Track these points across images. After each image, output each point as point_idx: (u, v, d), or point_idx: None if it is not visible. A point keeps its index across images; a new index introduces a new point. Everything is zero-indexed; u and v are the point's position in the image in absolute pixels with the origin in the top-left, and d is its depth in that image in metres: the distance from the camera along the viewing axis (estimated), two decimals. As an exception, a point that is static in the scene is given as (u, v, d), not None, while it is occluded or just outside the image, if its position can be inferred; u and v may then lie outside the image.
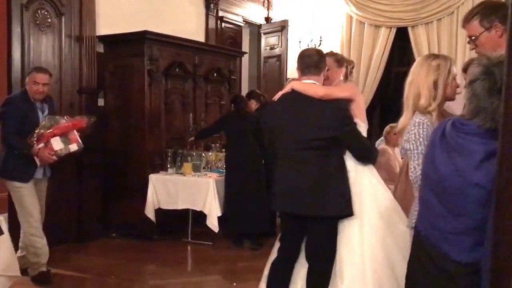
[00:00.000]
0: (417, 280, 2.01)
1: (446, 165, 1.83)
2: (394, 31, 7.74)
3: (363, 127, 3.16)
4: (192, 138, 5.99)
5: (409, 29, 7.63)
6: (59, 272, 4.55)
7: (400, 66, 8.51)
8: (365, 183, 3.06)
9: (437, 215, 1.89)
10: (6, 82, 4.94)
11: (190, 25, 7.10)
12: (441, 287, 1.89)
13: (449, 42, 7.37)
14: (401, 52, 8.30)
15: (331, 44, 7.80)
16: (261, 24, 8.67)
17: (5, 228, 3.03)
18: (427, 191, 1.95)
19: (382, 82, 7.94)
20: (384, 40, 7.75)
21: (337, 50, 7.98)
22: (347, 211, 2.94)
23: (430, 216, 1.93)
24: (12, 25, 4.90)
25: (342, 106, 3.00)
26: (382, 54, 7.77)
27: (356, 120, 3.10)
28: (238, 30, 8.19)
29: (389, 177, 5.59)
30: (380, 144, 6.35)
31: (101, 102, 5.85)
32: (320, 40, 8.22)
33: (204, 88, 6.60)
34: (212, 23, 7.54)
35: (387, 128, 5.87)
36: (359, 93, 3.33)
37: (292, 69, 6.95)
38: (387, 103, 8.52)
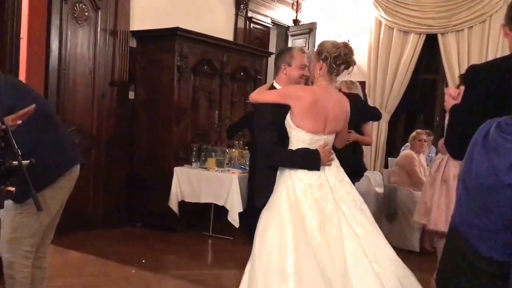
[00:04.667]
0: (450, 276, 2.03)
1: (482, 162, 1.85)
2: (423, 37, 7.74)
3: (302, 134, 2.84)
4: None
5: (439, 36, 7.61)
6: (83, 256, 4.74)
7: (428, 73, 8.53)
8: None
9: (470, 211, 1.92)
10: (43, 71, 5.16)
11: (219, 24, 7.24)
12: (473, 284, 1.92)
13: (479, 50, 7.30)
14: (429, 59, 8.31)
15: (359, 48, 7.85)
16: (289, 26, 8.75)
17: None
18: (463, 188, 1.98)
19: (408, 89, 7.95)
20: (412, 46, 7.76)
21: (364, 54, 8.07)
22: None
23: (464, 212, 1.96)
24: (51, 17, 5.12)
25: (259, 110, 3.02)
26: (410, 61, 7.77)
27: (292, 126, 2.86)
28: (266, 31, 8.30)
29: (411, 182, 5.66)
30: (405, 149, 6.40)
31: (131, 95, 6.03)
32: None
33: (230, 86, 6.73)
34: (241, 23, 7.67)
35: (413, 134, 5.90)
36: (298, 96, 2.85)
37: (318, 72, 7.06)
38: (413, 109, 8.54)
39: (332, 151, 2.91)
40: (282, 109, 2.87)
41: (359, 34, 8.12)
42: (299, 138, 2.85)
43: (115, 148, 5.80)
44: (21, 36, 5.08)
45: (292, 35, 8.66)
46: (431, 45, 7.80)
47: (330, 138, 2.91)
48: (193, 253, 5.19)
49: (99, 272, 4.45)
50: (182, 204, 5.66)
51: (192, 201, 5.64)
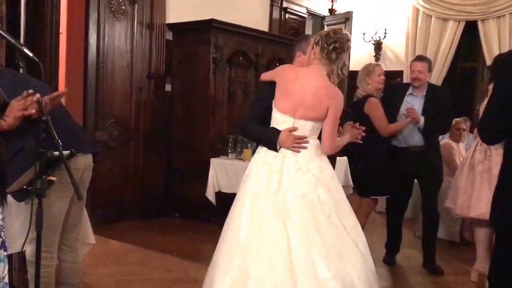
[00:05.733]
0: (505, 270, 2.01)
1: None
2: (462, 25, 7.56)
3: (274, 112, 2.89)
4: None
5: (479, 23, 7.42)
6: (124, 245, 4.85)
7: (467, 61, 8.32)
8: None
9: None
10: (82, 64, 5.29)
11: (254, 15, 7.24)
12: None
13: (522, 37, 7.10)
14: (468, 47, 8.11)
15: (396, 37, 7.74)
16: (324, 16, 8.69)
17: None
18: None
19: (447, 77, 7.79)
20: (451, 34, 7.59)
21: (402, 43, 7.94)
22: None
23: None
24: (89, 12, 5.23)
25: (257, 87, 3.18)
26: (449, 49, 7.60)
27: (272, 104, 2.92)
28: (301, 21, 8.26)
29: (450, 171, 5.55)
30: (443, 139, 6.27)
31: (168, 87, 6.11)
32: (385, 33, 8.15)
33: (266, 77, 6.71)
34: (276, 14, 7.65)
35: None
36: (281, 73, 2.91)
37: (354, 61, 6.94)
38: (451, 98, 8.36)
39: (304, 139, 2.81)
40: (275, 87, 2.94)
41: (396, 22, 8.00)
42: (273, 116, 2.91)
43: (153, 140, 5.90)
44: (60, 31, 5.21)
45: (328, 25, 8.58)
46: (470, 32, 7.61)
47: (303, 124, 2.81)
48: (230, 243, 5.23)
49: (139, 261, 4.54)
50: (219, 194, 5.70)
51: (229, 192, 5.67)
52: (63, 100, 5.55)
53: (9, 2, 4.30)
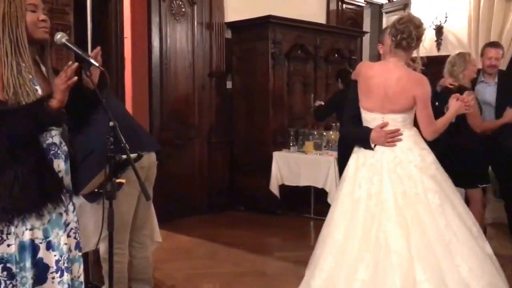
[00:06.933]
0: None
1: None
2: (528, 3, 7.24)
3: (362, 111, 2.91)
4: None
5: (546, 1, 7.08)
6: (192, 240, 5.03)
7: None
8: None
9: None
10: (147, 67, 5.50)
11: (311, 8, 7.23)
12: None
13: None
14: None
15: (458, 20, 7.50)
16: (382, 4, 8.54)
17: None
18: None
19: (513, 60, 7.48)
20: (516, 14, 7.28)
21: (464, 27, 7.68)
22: None
23: None
24: (151, 16, 5.43)
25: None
26: (514, 30, 7.30)
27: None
28: (359, 10, 8.17)
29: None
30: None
31: (229, 84, 6.25)
32: (446, 17, 7.91)
33: (325, 69, 6.73)
34: (333, 5, 7.61)
35: None
36: (359, 73, 2.91)
37: (415, 48, 6.83)
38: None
39: (397, 131, 2.77)
40: None
41: (457, 6, 7.73)
42: (362, 116, 2.89)
43: (216, 136, 6.07)
44: (125, 36, 5.45)
45: (386, 13, 8.44)
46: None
47: (392, 117, 2.78)
48: (295, 235, 5.29)
49: (208, 254, 4.67)
50: (282, 187, 5.79)
51: (292, 185, 5.76)
52: (129, 102, 5.84)
53: (76, 12, 4.57)
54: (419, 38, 2.75)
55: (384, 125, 2.77)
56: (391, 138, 2.75)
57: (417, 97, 2.73)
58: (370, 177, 2.76)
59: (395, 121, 2.77)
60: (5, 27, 2.00)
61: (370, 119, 2.83)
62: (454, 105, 2.95)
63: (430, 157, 2.78)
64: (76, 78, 1.98)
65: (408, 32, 2.72)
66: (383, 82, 2.76)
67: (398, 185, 2.68)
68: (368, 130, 2.79)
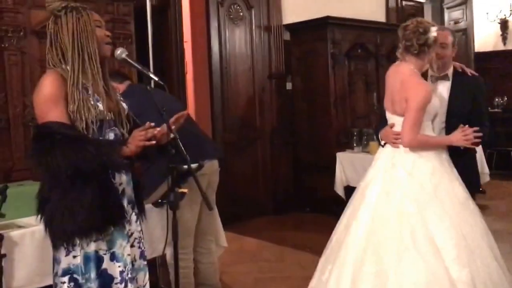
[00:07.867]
0: None
1: None
2: None
3: (388, 116, 2.95)
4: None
5: None
6: (259, 242, 5.00)
7: None
8: None
9: None
10: (208, 72, 5.57)
11: (370, 6, 7.11)
12: None
13: None
14: None
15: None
16: (443, -1, 8.31)
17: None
18: None
19: None
20: None
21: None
22: None
23: None
24: (210, 21, 5.51)
25: None
26: None
27: None
28: (419, 6, 7.99)
29: None
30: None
31: (289, 86, 6.23)
32: (510, 10, 7.60)
33: (387, 67, 6.52)
34: (392, 2, 7.48)
35: None
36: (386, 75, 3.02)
37: (480, 43, 6.53)
38: None
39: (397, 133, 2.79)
40: None
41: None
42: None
43: (278, 138, 6.05)
44: (185, 40, 5.54)
45: (447, 8, 8.22)
46: None
47: (397, 119, 2.81)
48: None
49: (274, 257, 4.62)
50: (348, 188, 5.66)
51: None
52: (192, 106, 5.91)
53: (136, 21, 4.66)
54: (424, 45, 2.71)
55: (392, 125, 2.87)
56: (395, 139, 2.81)
57: (407, 99, 2.71)
58: (374, 172, 2.91)
59: (398, 122, 2.82)
60: (74, 43, 2.01)
61: (387, 118, 2.94)
62: (456, 135, 2.79)
63: (427, 165, 2.74)
64: (154, 143, 2.02)
65: (410, 40, 2.72)
66: (392, 83, 2.85)
67: (385, 185, 2.77)
68: (382, 127, 2.94)
